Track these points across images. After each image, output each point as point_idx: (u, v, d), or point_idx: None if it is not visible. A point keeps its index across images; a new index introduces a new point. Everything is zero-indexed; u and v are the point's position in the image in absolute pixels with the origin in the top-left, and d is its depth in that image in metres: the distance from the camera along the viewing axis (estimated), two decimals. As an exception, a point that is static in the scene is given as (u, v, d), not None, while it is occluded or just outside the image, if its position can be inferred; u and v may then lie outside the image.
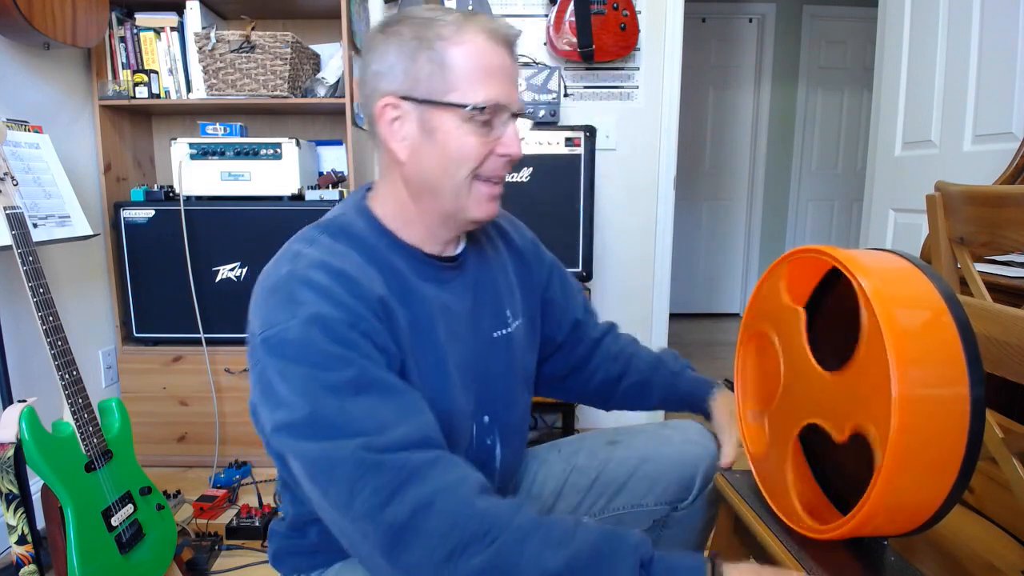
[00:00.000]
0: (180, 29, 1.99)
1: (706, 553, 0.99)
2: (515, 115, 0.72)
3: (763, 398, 0.78)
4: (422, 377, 0.72)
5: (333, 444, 0.59)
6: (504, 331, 0.85)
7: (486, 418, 0.83)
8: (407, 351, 0.70)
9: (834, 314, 0.70)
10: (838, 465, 0.71)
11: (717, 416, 0.93)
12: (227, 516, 1.67)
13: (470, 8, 2.08)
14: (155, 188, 1.95)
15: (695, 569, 0.57)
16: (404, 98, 0.70)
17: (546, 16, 2.17)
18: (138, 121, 2.18)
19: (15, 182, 1.22)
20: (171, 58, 1.99)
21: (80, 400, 1.19)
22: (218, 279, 1.91)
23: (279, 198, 1.91)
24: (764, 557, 0.72)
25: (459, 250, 0.82)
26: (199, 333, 1.89)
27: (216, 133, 1.97)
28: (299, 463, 0.62)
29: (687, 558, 0.59)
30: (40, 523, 1.18)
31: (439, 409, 0.72)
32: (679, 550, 0.92)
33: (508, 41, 0.71)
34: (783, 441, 0.73)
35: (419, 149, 0.71)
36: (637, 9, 2.15)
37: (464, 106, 0.68)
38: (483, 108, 0.68)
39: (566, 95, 2.25)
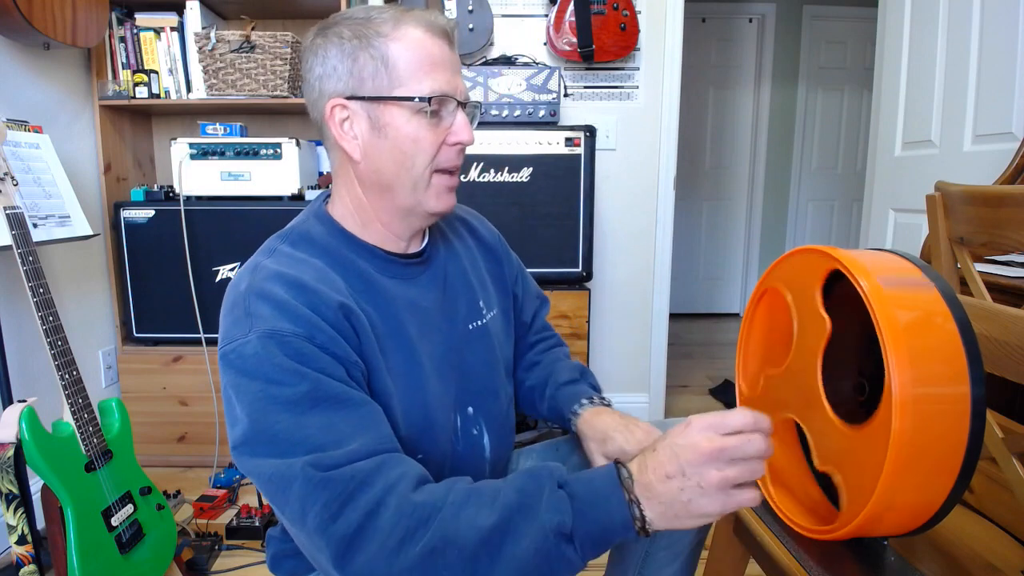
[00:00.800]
0: (180, 29, 1.99)
1: (705, 552, 0.99)
2: (461, 104, 0.73)
3: (768, 359, 0.77)
4: (394, 375, 0.72)
5: (285, 462, 0.59)
6: (479, 322, 0.86)
7: (470, 409, 0.83)
8: (374, 352, 0.70)
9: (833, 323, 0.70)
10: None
11: (581, 431, 0.87)
12: (227, 516, 1.66)
13: (470, 9, 2.08)
14: (155, 188, 1.95)
15: (606, 474, 0.60)
16: (351, 97, 0.71)
17: (546, 16, 2.17)
18: (138, 121, 2.18)
19: (15, 182, 1.22)
20: (171, 58, 1.99)
21: (80, 400, 1.19)
22: (218, 279, 1.91)
23: (279, 198, 1.91)
24: (764, 557, 0.72)
25: (423, 246, 0.83)
26: (199, 333, 1.89)
27: (216, 133, 1.97)
28: (255, 480, 0.62)
29: (596, 470, 0.61)
30: (40, 523, 1.18)
31: (415, 404, 0.73)
32: (676, 546, 0.92)
33: (446, 32, 0.72)
34: (780, 427, 0.73)
35: (372, 147, 0.72)
36: (637, 9, 2.15)
37: (411, 99, 0.69)
38: (430, 99, 0.69)
39: (566, 95, 2.25)
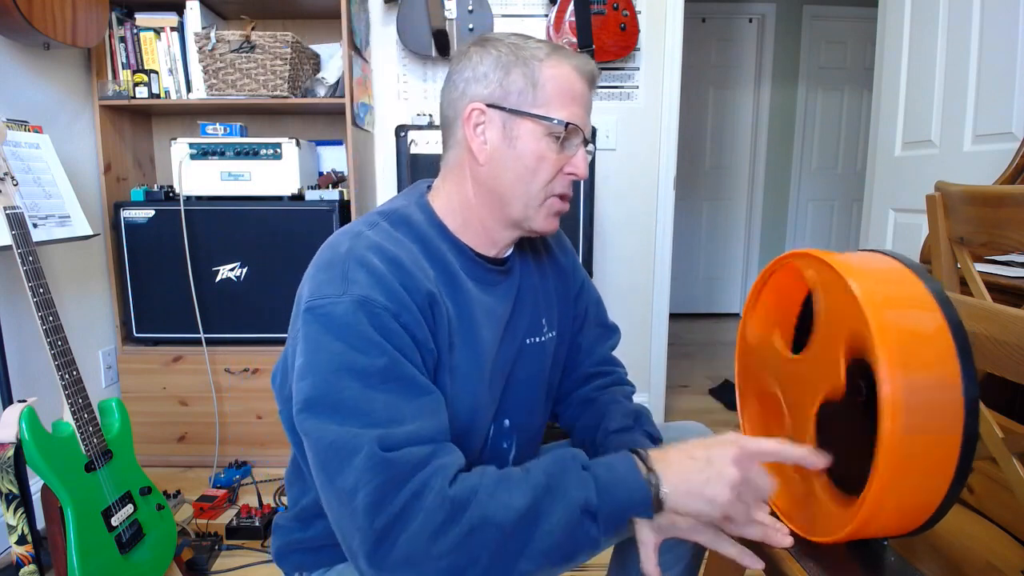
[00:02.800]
0: (180, 29, 1.99)
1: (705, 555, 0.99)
2: (585, 141, 0.78)
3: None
4: (455, 373, 0.73)
5: (351, 431, 0.60)
6: (538, 339, 0.87)
7: (506, 422, 0.84)
8: (445, 347, 0.72)
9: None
10: (838, 464, 0.71)
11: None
12: (227, 516, 1.67)
13: (470, 10, 2.08)
14: (155, 188, 1.95)
15: (624, 459, 0.63)
16: (492, 106, 0.74)
17: (546, 16, 2.17)
18: (138, 121, 2.18)
19: (15, 182, 1.22)
20: (171, 58, 1.99)
21: (80, 400, 1.19)
22: (218, 279, 1.91)
23: (279, 198, 1.91)
24: (764, 557, 0.72)
25: (507, 254, 0.84)
26: (199, 333, 1.89)
27: (216, 133, 1.97)
28: (315, 443, 0.62)
29: (616, 455, 0.64)
30: (40, 523, 1.18)
31: (464, 406, 0.74)
32: (679, 549, 0.92)
33: (591, 77, 0.77)
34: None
35: (498, 155, 0.75)
36: (637, 9, 2.15)
37: (550, 119, 0.73)
38: (566, 124, 0.74)
39: (566, 95, 2.25)
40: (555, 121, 0.73)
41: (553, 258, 0.95)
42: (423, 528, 0.57)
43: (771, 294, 0.75)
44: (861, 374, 0.59)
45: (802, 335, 0.71)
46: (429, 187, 0.83)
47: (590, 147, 0.80)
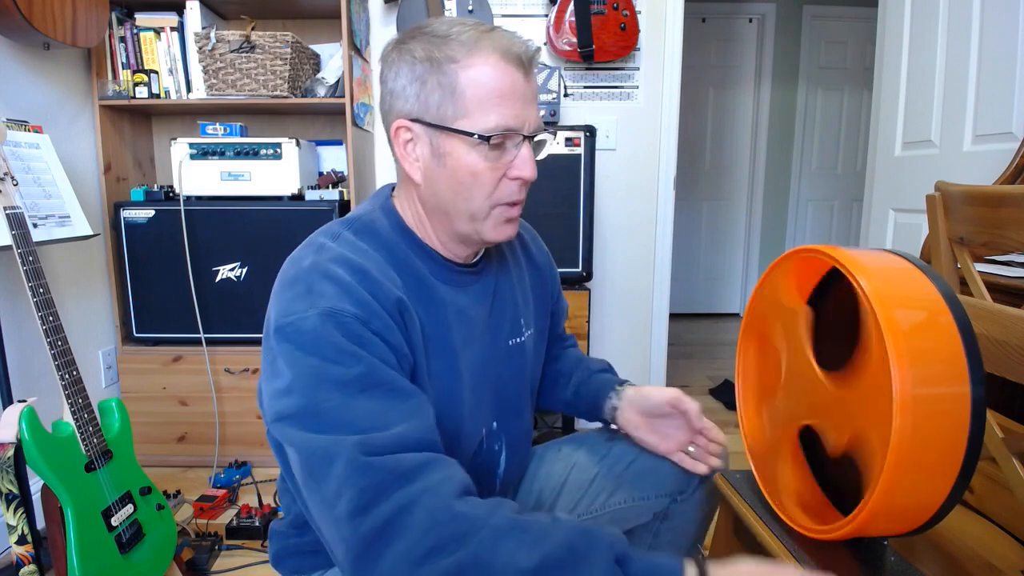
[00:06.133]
0: (180, 29, 1.99)
1: (705, 552, 0.99)
2: (527, 137, 0.71)
3: (764, 394, 0.78)
4: (433, 379, 0.72)
5: (331, 439, 0.59)
6: (518, 339, 0.86)
7: (494, 424, 0.84)
8: (420, 353, 0.71)
9: (833, 315, 0.70)
10: (837, 465, 0.71)
11: (634, 394, 0.90)
12: (227, 516, 1.67)
13: (470, 9, 2.08)
14: (155, 188, 1.95)
15: (673, 567, 0.56)
16: (415, 120, 0.70)
17: (546, 16, 2.17)
18: (138, 121, 2.18)
19: (15, 182, 1.22)
20: (171, 58, 1.99)
21: (80, 400, 1.19)
22: (218, 279, 1.91)
23: (279, 198, 1.91)
24: (765, 557, 0.72)
25: (478, 256, 0.83)
26: (199, 333, 1.89)
27: (216, 133, 1.97)
28: (297, 454, 0.62)
29: (666, 557, 0.58)
30: (40, 523, 1.18)
31: (449, 412, 0.73)
32: (679, 543, 0.93)
33: (523, 60, 0.69)
34: (783, 440, 0.73)
35: (432, 172, 0.72)
36: (637, 9, 2.15)
37: (471, 134, 0.67)
38: (489, 137, 0.68)
39: (566, 95, 2.25)
40: (476, 136, 0.67)
41: (528, 253, 0.94)
42: (410, 549, 0.54)
43: (791, 268, 0.74)
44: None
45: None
46: (393, 189, 0.81)
47: (541, 137, 0.74)
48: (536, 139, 0.73)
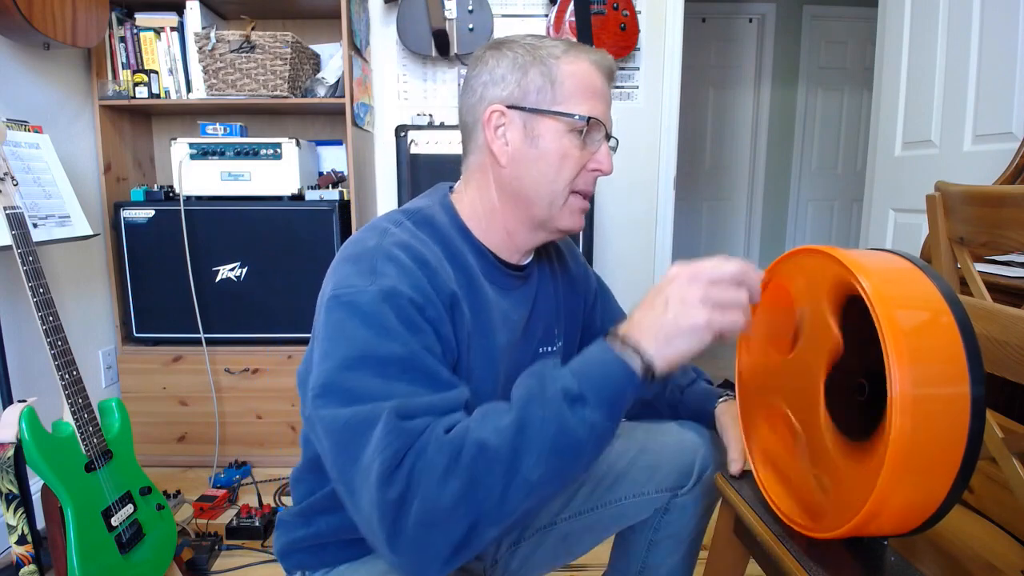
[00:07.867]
0: (180, 29, 1.99)
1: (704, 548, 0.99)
2: (608, 136, 0.78)
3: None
4: (471, 376, 0.74)
5: (367, 407, 0.59)
6: (550, 348, 0.88)
7: None
8: (464, 349, 0.72)
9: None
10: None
11: (720, 421, 0.92)
12: (227, 516, 1.67)
13: (470, 9, 2.08)
14: (155, 188, 1.95)
15: (595, 344, 0.63)
16: (512, 107, 0.75)
17: (546, 16, 2.17)
18: (138, 121, 2.18)
19: (15, 182, 1.22)
20: (171, 58, 1.99)
21: (80, 400, 1.19)
22: (218, 279, 1.91)
23: (279, 198, 1.91)
24: (764, 557, 0.72)
25: (527, 261, 0.85)
26: (199, 333, 1.89)
27: (216, 133, 1.97)
28: (329, 426, 0.62)
29: (598, 349, 0.62)
30: (40, 523, 1.18)
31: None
32: (679, 537, 0.94)
33: (609, 71, 0.77)
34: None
35: (520, 154, 0.75)
36: (637, 9, 2.15)
37: (571, 115, 0.73)
38: (588, 119, 0.73)
39: (566, 95, 2.25)
40: (576, 117, 0.73)
41: (564, 265, 0.96)
42: (430, 480, 0.56)
43: (760, 319, 0.74)
44: (857, 314, 0.59)
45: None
46: (451, 188, 0.84)
47: (613, 141, 0.80)
48: (612, 140, 0.80)
